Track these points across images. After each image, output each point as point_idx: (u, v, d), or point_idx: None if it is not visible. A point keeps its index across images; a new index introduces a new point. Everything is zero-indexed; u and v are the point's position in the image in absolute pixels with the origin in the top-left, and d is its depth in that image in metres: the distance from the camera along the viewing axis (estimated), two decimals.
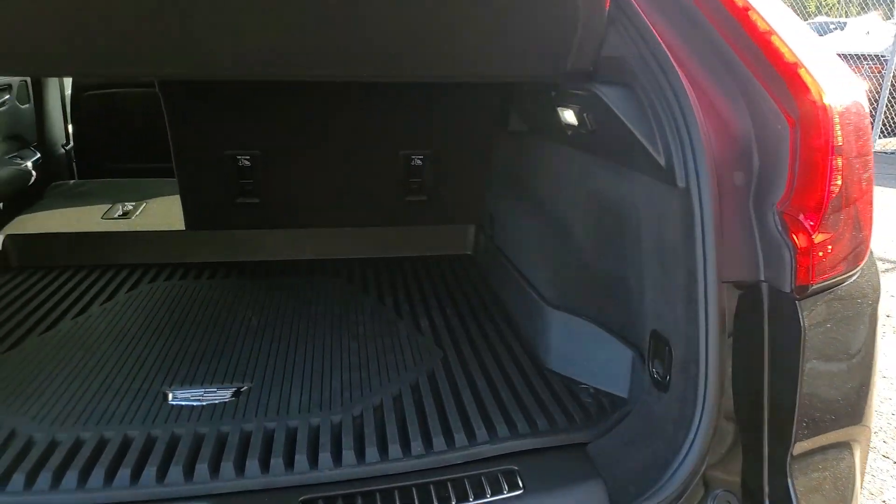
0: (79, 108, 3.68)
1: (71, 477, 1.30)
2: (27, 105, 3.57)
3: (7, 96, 3.36)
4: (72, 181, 3.38)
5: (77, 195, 3.17)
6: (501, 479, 1.33)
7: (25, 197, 3.26)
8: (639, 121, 1.38)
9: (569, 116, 1.71)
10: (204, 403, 1.58)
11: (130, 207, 3.01)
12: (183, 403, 1.58)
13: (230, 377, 1.70)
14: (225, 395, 1.62)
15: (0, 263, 2.43)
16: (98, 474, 1.30)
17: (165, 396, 1.61)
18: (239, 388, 1.65)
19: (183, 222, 2.64)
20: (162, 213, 2.96)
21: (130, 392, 1.61)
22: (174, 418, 1.51)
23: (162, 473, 1.31)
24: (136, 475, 1.31)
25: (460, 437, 1.44)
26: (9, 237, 2.46)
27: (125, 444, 1.41)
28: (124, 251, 2.52)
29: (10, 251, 2.46)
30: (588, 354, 1.72)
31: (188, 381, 1.68)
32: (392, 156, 2.50)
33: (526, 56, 1.52)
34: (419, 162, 2.52)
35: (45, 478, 1.29)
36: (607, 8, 1.42)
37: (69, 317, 2.04)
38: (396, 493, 1.30)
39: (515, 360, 1.82)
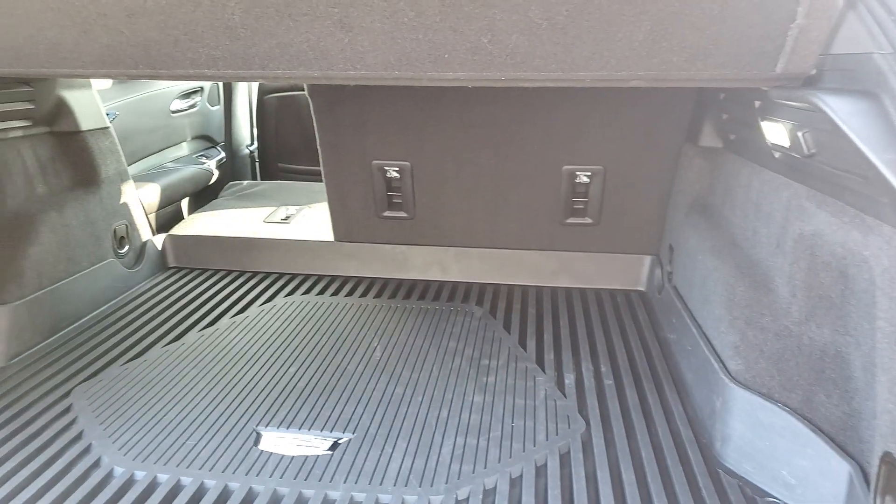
0: (262, 110, 3.79)
1: None
2: (217, 107, 3.74)
3: (198, 98, 3.54)
4: (246, 182, 3.46)
5: (248, 196, 3.22)
6: None
7: (205, 194, 3.40)
8: (883, 146, 0.93)
9: (777, 134, 1.26)
10: (294, 455, 1.37)
11: (293, 211, 2.97)
12: (272, 451, 1.38)
13: (331, 425, 1.48)
14: (320, 447, 1.41)
15: (159, 263, 2.47)
16: None
17: (258, 439, 1.43)
18: (337, 441, 1.42)
19: (331, 232, 2.53)
20: (319, 219, 2.88)
21: (223, 430, 1.46)
22: (258, 468, 1.32)
23: None
24: None
25: None
26: (168, 237, 2.51)
27: (199, 496, 1.25)
28: (271, 258, 2.46)
29: (168, 251, 2.50)
30: (783, 457, 1.26)
31: (286, 423, 1.49)
32: (554, 171, 2.15)
33: (719, 54, 1.13)
34: (586, 179, 2.15)
35: None
36: None
37: (197, 329, 1.97)
38: None
39: (680, 447, 1.40)
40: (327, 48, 1.26)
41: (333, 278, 2.39)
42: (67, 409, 1.54)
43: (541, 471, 1.33)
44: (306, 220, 2.84)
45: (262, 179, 3.91)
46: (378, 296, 2.23)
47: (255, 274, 2.43)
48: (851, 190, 1.08)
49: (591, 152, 2.11)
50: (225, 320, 2.03)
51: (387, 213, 2.32)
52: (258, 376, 1.69)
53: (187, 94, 3.43)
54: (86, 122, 2.09)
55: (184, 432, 1.45)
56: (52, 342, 1.87)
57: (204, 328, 1.98)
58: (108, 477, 1.31)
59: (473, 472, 1.31)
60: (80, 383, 1.65)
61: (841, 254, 1.13)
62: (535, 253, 2.30)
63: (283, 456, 1.37)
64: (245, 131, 3.92)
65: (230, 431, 1.45)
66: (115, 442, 1.41)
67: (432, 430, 1.46)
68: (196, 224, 2.72)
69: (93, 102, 2.15)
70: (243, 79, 1.37)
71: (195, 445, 1.40)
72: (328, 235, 2.52)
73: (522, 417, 1.51)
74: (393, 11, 1.18)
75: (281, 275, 2.42)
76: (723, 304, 1.55)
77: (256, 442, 1.42)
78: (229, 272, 2.44)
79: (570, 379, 1.69)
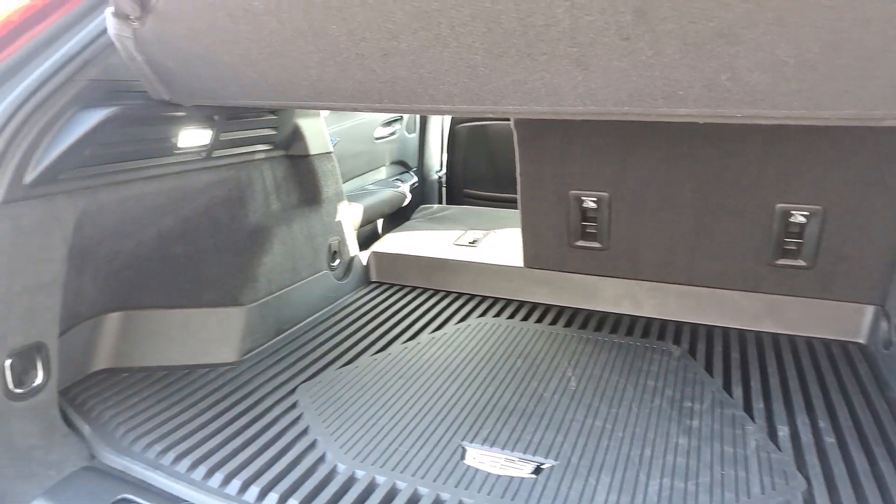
0: (452, 138, 3.97)
1: None
2: (413, 134, 3.98)
3: (398, 126, 3.79)
4: (435, 206, 3.63)
5: (438, 219, 3.38)
6: None
7: (398, 215, 3.62)
8: None
9: None
10: (500, 474, 1.42)
11: (480, 236, 3.08)
12: (479, 468, 1.44)
13: (533, 448, 1.51)
14: (524, 469, 1.44)
15: (363, 276, 2.67)
16: None
17: (464, 453, 1.49)
18: (540, 466, 1.45)
19: (520, 256, 2.58)
20: (506, 244, 2.96)
21: (432, 440, 1.54)
22: (466, 483, 1.38)
23: None
24: None
25: None
26: (373, 254, 2.70)
27: (413, 501, 1.33)
28: (464, 279, 2.56)
29: (371, 266, 2.69)
30: None
31: (490, 441, 1.54)
32: (766, 209, 2.04)
33: None
34: (802, 219, 2.01)
35: None
36: None
37: (400, 341, 2.10)
38: None
39: None
40: (560, 85, 1.31)
41: (522, 303, 2.44)
42: (293, 406, 1.71)
43: None
44: (494, 244, 2.92)
45: (448, 203, 4.09)
46: (568, 325, 2.24)
47: (448, 293, 2.54)
48: None
49: (808, 191, 1.98)
50: (425, 335, 2.14)
51: (580, 243, 2.33)
52: (459, 391, 1.76)
53: (389, 123, 3.68)
54: (314, 147, 2.33)
55: (395, 438, 1.55)
56: (276, 342, 2.09)
57: (406, 341, 2.10)
58: (332, 473, 1.43)
59: None
60: (302, 382, 1.83)
61: None
62: (737, 294, 2.18)
63: (489, 473, 1.42)
64: (436, 158, 4.13)
65: (438, 443, 1.53)
66: (336, 440, 1.54)
67: (636, 467, 1.44)
68: (394, 242, 2.91)
69: (321, 130, 2.39)
70: (474, 114, 1.46)
71: (407, 452, 1.49)
72: (516, 261, 2.58)
73: (733, 466, 1.44)
74: (632, 50, 1.21)
75: (472, 296, 2.51)
76: None
77: (462, 456, 1.48)
78: (425, 290, 2.57)
79: (783, 431, 1.58)
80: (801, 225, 2.03)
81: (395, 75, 1.40)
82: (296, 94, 1.53)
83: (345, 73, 1.43)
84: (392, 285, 2.63)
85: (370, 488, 1.37)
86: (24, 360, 1.48)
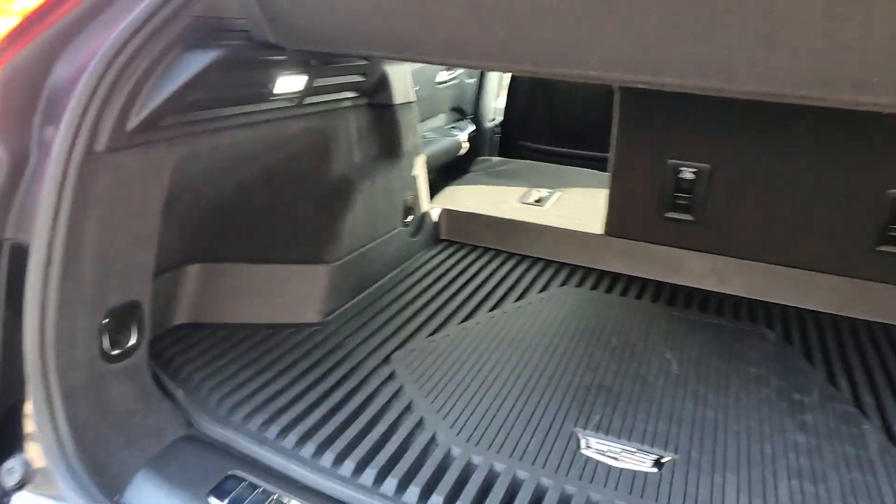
0: (513, 86, 3.80)
1: None
2: (472, 80, 3.81)
3: (460, 70, 3.62)
4: (495, 158, 3.51)
5: (499, 174, 3.26)
6: None
7: (453, 167, 3.50)
8: None
9: None
10: (622, 467, 1.36)
11: (545, 194, 2.97)
12: (598, 459, 1.38)
13: (650, 438, 1.46)
14: (645, 461, 1.39)
15: (433, 234, 2.58)
16: None
17: (579, 442, 1.44)
18: (660, 459, 1.40)
19: (596, 222, 2.48)
20: (574, 206, 2.86)
21: (543, 424, 1.48)
22: (589, 476, 1.33)
23: None
24: None
25: None
26: (444, 211, 2.60)
27: (538, 495, 1.28)
28: (540, 243, 2.47)
29: (442, 224, 2.60)
30: None
31: (603, 429, 1.48)
32: (874, 193, 1.93)
33: None
34: None
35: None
36: None
37: (485, 309, 2.03)
38: None
39: None
40: (735, 61, 1.18)
41: (602, 273, 2.35)
42: (391, 376, 1.65)
43: None
44: (564, 206, 2.82)
45: (501, 155, 3.96)
46: (654, 300, 2.17)
47: (523, 258, 2.45)
48: None
49: None
50: (508, 305, 2.07)
51: (670, 214, 2.23)
52: (559, 370, 1.70)
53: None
54: (399, 97, 2.20)
55: (505, 421, 1.48)
56: (357, 303, 2.02)
57: (491, 310, 2.03)
58: (448, 458, 1.37)
59: None
60: (395, 350, 1.76)
61: None
62: (833, 278, 2.10)
63: (610, 466, 1.36)
64: (492, 105, 3.97)
65: (550, 428, 1.47)
66: (444, 419, 1.48)
67: (760, 466, 1.39)
68: (459, 198, 2.80)
69: (407, 79, 2.25)
70: (626, 82, 1.33)
71: (520, 438, 1.43)
72: (593, 226, 2.48)
73: (860, 470, 1.39)
74: (836, 30, 1.08)
75: (548, 262, 2.43)
76: None
77: (578, 445, 1.43)
78: (498, 252, 2.49)
79: None
80: None
81: (544, 36, 1.27)
82: (424, 49, 1.40)
83: (488, 30, 1.29)
84: (463, 245, 2.54)
85: (490, 478, 1.32)
86: (120, 320, 1.41)
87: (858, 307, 2.07)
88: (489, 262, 2.41)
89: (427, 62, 1.50)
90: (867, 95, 1.16)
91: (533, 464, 1.35)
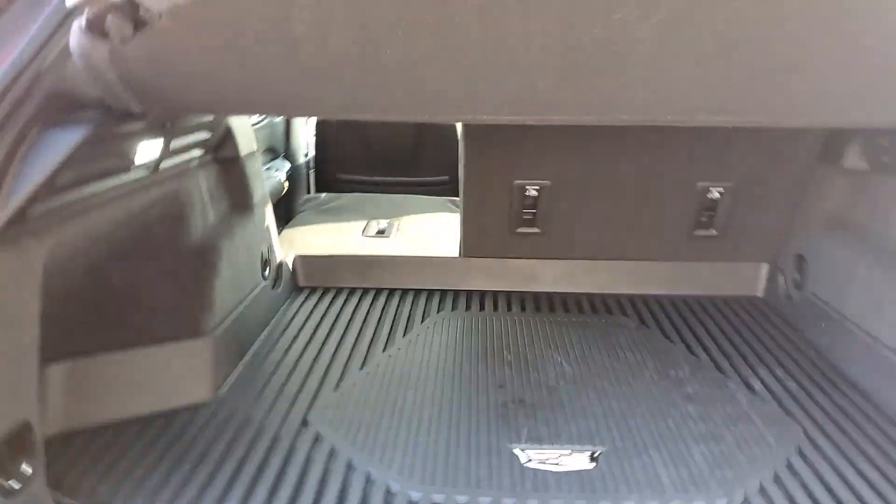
0: (322, 120, 3.79)
1: None
2: (279, 118, 3.72)
3: None
4: (322, 195, 3.48)
5: (330, 210, 3.25)
6: None
7: (281, 207, 3.40)
8: None
9: None
10: (565, 470, 1.47)
11: (385, 225, 3.03)
12: (543, 469, 1.48)
13: (577, 438, 1.59)
14: (581, 460, 1.51)
15: (292, 283, 2.49)
16: None
17: (519, 458, 1.52)
18: (593, 454, 1.53)
19: (447, 245, 2.60)
20: (417, 232, 2.95)
21: (482, 448, 1.54)
22: (543, 487, 1.41)
23: None
24: None
25: None
26: (298, 257, 2.53)
27: None
28: (400, 274, 2.52)
29: (298, 271, 2.52)
30: None
31: (534, 439, 1.58)
32: (688, 188, 2.30)
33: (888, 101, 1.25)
34: (717, 195, 2.30)
35: None
36: None
37: (378, 350, 2.03)
38: None
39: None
40: (617, 99, 1.33)
41: (471, 293, 2.47)
42: (318, 438, 1.58)
43: (791, 470, 1.47)
44: (404, 233, 2.90)
45: (319, 189, 3.92)
46: (523, 310, 2.33)
47: (391, 291, 2.48)
48: None
49: (724, 169, 2.26)
50: (399, 340, 2.09)
51: (521, 229, 2.42)
52: (473, 394, 1.77)
53: None
54: (244, 148, 2.11)
55: (448, 454, 1.51)
56: (244, 370, 1.89)
57: (385, 349, 2.03)
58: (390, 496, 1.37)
59: (736, 477, 1.44)
60: (307, 410, 1.69)
61: None
62: (663, 264, 2.44)
63: (556, 472, 1.46)
64: (302, 140, 3.91)
65: (490, 451, 1.53)
66: (390, 468, 1.46)
67: (672, 439, 1.58)
68: (303, 241, 2.75)
69: (248, 128, 2.16)
70: (516, 122, 1.44)
71: (468, 466, 1.47)
72: (447, 251, 2.60)
73: (742, 422, 1.65)
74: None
75: (416, 291, 2.48)
76: None
77: (520, 460, 1.50)
78: (364, 290, 2.48)
79: (757, 384, 1.84)
80: (715, 201, 2.31)
81: (445, 89, 1.32)
82: (319, 107, 1.38)
83: (386, 88, 1.31)
84: (327, 289, 2.49)
85: None
86: (13, 446, 1.19)
87: (686, 285, 2.44)
88: (359, 301, 2.40)
89: (317, 115, 1.48)
90: (722, 116, 1.39)
91: (490, 487, 1.40)
